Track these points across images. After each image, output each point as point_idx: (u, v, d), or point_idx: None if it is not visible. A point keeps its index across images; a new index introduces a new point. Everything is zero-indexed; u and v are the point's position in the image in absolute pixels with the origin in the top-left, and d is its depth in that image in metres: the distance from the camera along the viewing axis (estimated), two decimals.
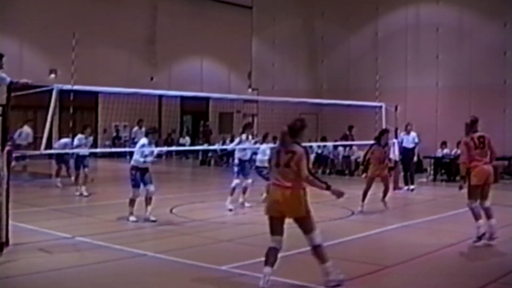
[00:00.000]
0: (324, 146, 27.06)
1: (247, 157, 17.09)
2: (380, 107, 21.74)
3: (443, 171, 25.96)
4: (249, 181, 16.72)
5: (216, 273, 9.41)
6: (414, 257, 10.73)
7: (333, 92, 29.76)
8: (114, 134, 35.95)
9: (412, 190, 21.33)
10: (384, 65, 30.44)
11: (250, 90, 35.62)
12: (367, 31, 31.86)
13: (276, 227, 8.79)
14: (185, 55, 37.87)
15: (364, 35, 31.93)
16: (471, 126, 11.94)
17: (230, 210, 15.87)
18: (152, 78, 36.29)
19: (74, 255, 10.64)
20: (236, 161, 17.04)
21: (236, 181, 16.43)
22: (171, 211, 15.62)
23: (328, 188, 8.68)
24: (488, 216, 11.60)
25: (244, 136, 16.98)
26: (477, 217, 11.55)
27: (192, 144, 35.21)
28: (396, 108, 22.39)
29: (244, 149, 16.91)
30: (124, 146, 29.21)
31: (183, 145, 35.28)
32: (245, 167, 16.85)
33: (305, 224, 8.86)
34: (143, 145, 14.21)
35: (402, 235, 13.17)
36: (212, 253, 11.00)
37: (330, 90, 31.51)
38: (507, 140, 26.13)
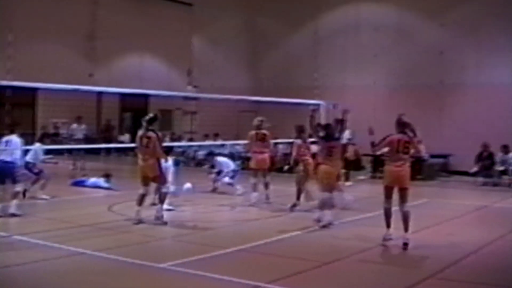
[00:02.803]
0: None
1: None
2: (319, 105, 21.90)
3: (381, 168, 26.20)
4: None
5: (156, 271, 9.40)
6: (353, 253, 10.89)
7: (273, 90, 29.84)
8: (53, 131, 35.49)
9: (350, 186, 21.60)
10: (324, 64, 30.75)
11: (190, 87, 35.51)
12: (307, 29, 32.12)
13: None
14: (125, 51, 37.50)
15: (304, 33, 32.18)
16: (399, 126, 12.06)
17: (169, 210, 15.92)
18: (91, 75, 35.90)
19: (11, 254, 10.49)
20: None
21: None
22: (109, 209, 15.53)
23: None
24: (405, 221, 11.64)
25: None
26: (388, 223, 11.78)
27: (131, 141, 34.90)
28: (335, 106, 22.58)
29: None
30: (62, 143, 28.83)
31: (123, 142, 34.99)
32: None
33: None
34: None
35: (341, 232, 13.30)
36: (152, 251, 10.98)
37: (270, 88, 31.59)
38: (444, 139, 26.67)
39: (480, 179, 23.69)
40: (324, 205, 13.63)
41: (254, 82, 33.46)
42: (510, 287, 9.09)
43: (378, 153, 12.72)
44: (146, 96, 36.18)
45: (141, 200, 13.65)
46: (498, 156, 23.70)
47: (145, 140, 13.47)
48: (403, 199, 11.67)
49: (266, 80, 33.24)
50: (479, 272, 9.90)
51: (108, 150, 35.04)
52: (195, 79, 35.23)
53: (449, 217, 15.23)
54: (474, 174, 24.01)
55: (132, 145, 17.56)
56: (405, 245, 11.31)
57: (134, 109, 38.96)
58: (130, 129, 39.47)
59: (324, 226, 13.39)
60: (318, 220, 13.54)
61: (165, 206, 14.24)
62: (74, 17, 35.14)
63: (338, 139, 14.58)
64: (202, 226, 13.48)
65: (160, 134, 13.88)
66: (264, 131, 17.13)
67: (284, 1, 33.12)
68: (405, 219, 11.52)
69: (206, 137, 29.77)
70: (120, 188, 19.22)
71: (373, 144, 12.29)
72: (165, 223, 13.42)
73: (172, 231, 12.84)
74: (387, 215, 11.73)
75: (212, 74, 34.17)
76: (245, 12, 34.45)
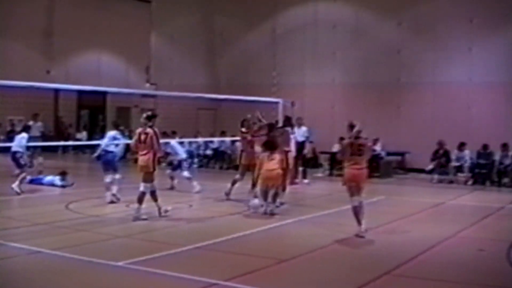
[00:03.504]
0: (222, 141, 27.17)
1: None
2: (277, 102, 21.98)
3: (338, 166, 26.38)
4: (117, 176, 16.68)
5: (113, 269, 9.36)
6: (310, 250, 10.95)
7: (231, 88, 29.90)
8: (9, 128, 35.13)
9: (308, 184, 21.74)
10: (282, 62, 30.86)
11: (148, 84, 35.37)
12: (265, 27, 32.17)
13: None
14: (83, 48, 37.22)
15: (262, 31, 32.22)
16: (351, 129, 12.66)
17: (112, 202, 16.03)
18: (48, 72, 35.58)
19: None
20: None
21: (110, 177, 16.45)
22: (67, 207, 15.42)
23: None
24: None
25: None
26: (359, 220, 12.36)
27: (89, 139, 34.71)
28: (293, 104, 22.70)
29: (117, 145, 17.05)
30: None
31: (80, 140, 34.81)
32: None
33: None
34: None
35: (298, 229, 13.39)
36: (109, 249, 10.91)
37: (228, 86, 31.66)
38: (401, 137, 26.95)
39: (436, 177, 23.95)
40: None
41: (213, 79, 33.44)
42: (465, 282, 9.20)
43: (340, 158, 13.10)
44: (104, 93, 35.97)
45: (141, 198, 13.87)
46: (454, 153, 23.98)
47: (143, 136, 13.92)
48: (358, 193, 12.54)
49: (225, 78, 33.25)
50: (435, 268, 10.02)
51: (65, 148, 34.81)
52: (153, 77, 35.09)
53: (405, 214, 15.38)
54: (430, 172, 24.27)
55: (90, 142, 17.51)
56: (361, 237, 12.04)
57: (92, 106, 38.76)
58: (88, 127, 39.34)
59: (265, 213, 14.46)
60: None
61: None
62: (31, 13, 34.84)
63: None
64: (159, 224, 13.46)
65: (157, 130, 14.14)
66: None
67: (242, 0, 33.15)
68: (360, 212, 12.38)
69: (164, 134, 29.63)
70: (76, 186, 19.12)
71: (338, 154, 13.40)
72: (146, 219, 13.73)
73: (130, 229, 12.76)
74: (356, 213, 12.41)
75: (171, 72, 34.07)
76: (203, 10, 34.40)
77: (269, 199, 14.84)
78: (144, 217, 13.77)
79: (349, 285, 8.84)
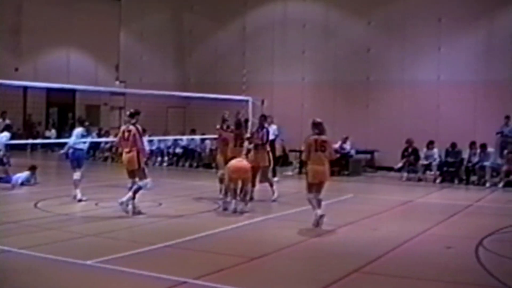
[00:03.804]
0: (192, 139, 27.13)
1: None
2: (247, 101, 22.00)
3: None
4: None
5: (82, 268, 9.30)
6: (279, 248, 10.98)
7: (201, 86, 29.90)
8: None
9: (277, 182, 21.75)
10: (252, 60, 30.86)
11: (117, 82, 35.27)
12: (235, 25, 32.15)
13: None
14: (52, 46, 37.08)
15: (232, 29, 32.20)
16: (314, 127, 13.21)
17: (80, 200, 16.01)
18: (17, 69, 35.37)
19: None
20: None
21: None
22: (35, 205, 15.32)
23: None
24: (319, 205, 12.99)
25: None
26: (314, 206, 13.01)
27: (58, 137, 34.53)
28: (262, 102, 22.74)
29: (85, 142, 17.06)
30: None
31: (49, 138, 34.59)
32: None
33: None
34: None
35: (268, 227, 13.43)
36: (77, 247, 10.85)
37: (198, 84, 31.64)
38: (370, 135, 27.09)
39: (405, 175, 24.12)
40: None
41: (183, 77, 33.37)
42: (434, 280, 9.28)
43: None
44: (73, 91, 35.81)
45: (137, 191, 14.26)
46: (423, 152, 24.15)
47: (126, 133, 14.29)
48: (319, 191, 13.06)
49: (195, 76, 33.19)
50: (404, 265, 10.09)
51: (34, 146, 34.59)
52: (122, 74, 35.00)
53: (374, 212, 15.47)
54: (399, 170, 24.43)
55: (59, 140, 17.44)
56: (321, 217, 12.88)
57: (61, 104, 38.57)
58: (57, 125, 39.10)
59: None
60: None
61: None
62: None
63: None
64: (129, 222, 13.42)
65: (140, 128, 14.51)
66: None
67: None
68: (319, 203, 13.00)
69: None
70: (45, 185, 19.00)
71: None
72: (141, 213, 14.21)
73: (99, 228, 12.70)
74: (312, 202, 13.08)
75: (140, 70, 34.01)
76: (172, 8, 34.31)
77: (238, 197, 14.88)
78: (142, 211, 14.21)
79: (318, 282, 8.86)
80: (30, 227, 12.55)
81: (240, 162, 15.01)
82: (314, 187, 12.98)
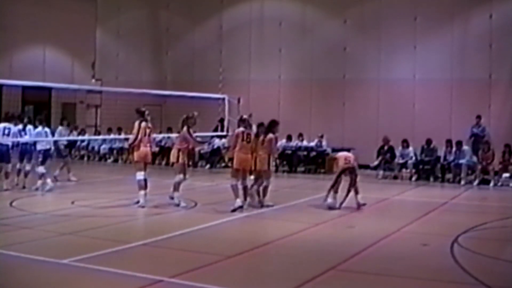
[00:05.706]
0: (168, 137, 27.05)
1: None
2: (223, 99, 22.01)
3: (284, 162, 26.55)
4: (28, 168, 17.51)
5: (58, 267, 9.25)
6: (255, 246, 10.99)
7: (177, 84, 29.82)
8: None
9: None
10: (228, 58, 30.87)
11: (93, 80, 35.12)
12: (212, 23, 32.13)
13: None
14: (27, 43, 36.75)
15: (209, 27, 32.18)
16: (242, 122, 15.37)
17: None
18: None
19: None
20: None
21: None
22: (11, 204, 15.23)
23: None
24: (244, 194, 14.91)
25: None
26: (236, 194, 14.66)
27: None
28: (238, 100, 22.76)
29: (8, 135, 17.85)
30: None
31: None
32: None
33: None
34: None
35: (244, 225, 13.45)
36: (53, 246, 10.80)
37: (174, 82, 31.55)
38: (346, 133, 27.19)
39: (381, 173, 24.23)
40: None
41: (159, 75, 33.29)
42: (410, 277, 9.33)
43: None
44: (49, 89, 35.60)
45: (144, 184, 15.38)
46: (399, 150, 24.26)
47: (147, 130, 16.03)
48: (244, 177, 15.04)
49: (171, 73, 33.12)
50: (379, 263, 10.13)
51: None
52: (98, 72, 34.85)
53: (350, 210, 15.52)
54: (375, 168, 24.52)
55: (35, 139, 17.44)
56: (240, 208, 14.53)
57: (37, 102, 38.28)
58: (32, 122, 38.82)
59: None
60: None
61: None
62: None
63: None
64: (103, 220, 13.38)
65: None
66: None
67: None
68: (245, 191, 14.93)
69: (110, 131, 29.47)
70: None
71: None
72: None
73: (74, 226, 12.64)
74: (234, 190, 14.74)
75: (116, 67, 33.91)
76: (149, 5, 34.22)
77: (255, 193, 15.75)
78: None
79: (294, 280, 8.86)
80: (5, 226, 12.44)
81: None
82: (239, 173, 14.87)
